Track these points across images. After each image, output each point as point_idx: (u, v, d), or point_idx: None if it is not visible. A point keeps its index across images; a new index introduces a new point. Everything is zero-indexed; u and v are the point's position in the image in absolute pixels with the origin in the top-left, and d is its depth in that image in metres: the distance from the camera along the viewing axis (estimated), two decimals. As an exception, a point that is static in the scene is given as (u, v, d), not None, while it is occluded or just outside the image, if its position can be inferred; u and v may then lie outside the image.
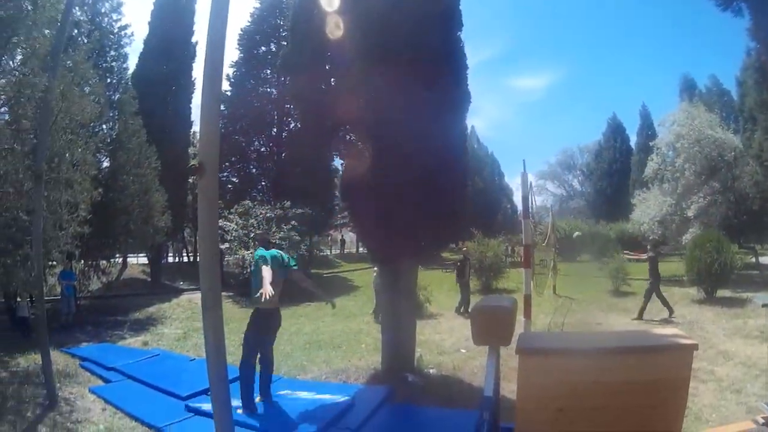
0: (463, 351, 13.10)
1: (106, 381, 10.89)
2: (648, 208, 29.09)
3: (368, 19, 9.70)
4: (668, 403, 5.31)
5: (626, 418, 5.27)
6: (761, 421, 6.45)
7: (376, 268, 17.34)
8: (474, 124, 73.89)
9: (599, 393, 5.28)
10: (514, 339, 6.16)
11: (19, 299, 14.64)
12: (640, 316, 16.77)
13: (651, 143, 32.48)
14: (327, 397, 9.23)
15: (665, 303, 16.97)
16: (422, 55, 9.55)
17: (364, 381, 10.82)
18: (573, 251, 37.63)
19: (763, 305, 16.16)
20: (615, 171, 57.61)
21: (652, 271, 17.25)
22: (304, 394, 9.52)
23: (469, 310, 15.10)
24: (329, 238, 50.36)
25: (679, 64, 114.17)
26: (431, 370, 11.40)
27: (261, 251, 9.01)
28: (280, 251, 9.58)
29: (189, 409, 8.87)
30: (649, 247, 19.20)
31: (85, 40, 19.00)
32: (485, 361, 5.63)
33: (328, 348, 13.96)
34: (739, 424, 7.19)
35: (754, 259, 27.39)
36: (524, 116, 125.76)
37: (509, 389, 8.02)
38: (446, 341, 14.44)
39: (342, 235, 54.36)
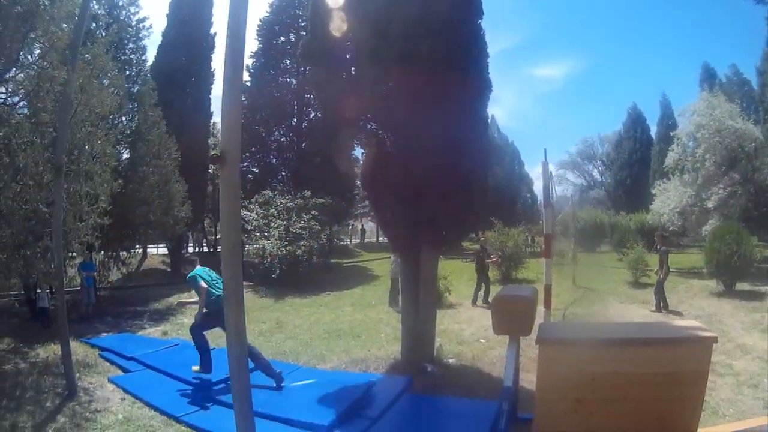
0: (483, 341, 13.08)
1: (126, 371, 11.00)
2: (668, 199, 28.76)
3: (389, 8, 9.68)
4: (686, 396, 5.34)
5: (644, 409, 5.30)
6: (777, 417, 6.46)
7: (393, 258, 17.39)
8: (494, 114, 73.74)
9: (618, 384, 5.31)
10: (534, 329, 6.21)
11: (39, 290, 14.73)
12: (665, 308, 16.70)
13: (671, 133, 32.10)
14: (346, 386, 9.22)
15: (663, 298, 17.00)
16: (443, 44, 9.53)
17: (383, 371, 10.85)
18: (592, 242, 37.56)
19: (782, 299, 16.11)
20: (635, 161, 57.05)
21: (662, 265, 17.18)
22: (324, 384, 9.51)
23: (490, 300, 15.12)
24: (350, 227, 50.35)
25: (699, 53, 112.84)
26: (450, 360, 11.40)
27: (197, 270, 10.29)
28: (209, 270, 10.66)
29: (208, 398, 8.97)
30: (657, 239, 19.02)
31: (104, 34, 19.06)
32: (504, 351, 5.67)
33: (348, 337, 13.99)
34: (756, 420, 7.20)
35: (773, 253, 27.19)
36: (544, 106, 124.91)
37: (527, 380, 8.06)
38: (465, 331, 14.42)
39: (362, 225, 54.35)
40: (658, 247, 17.96)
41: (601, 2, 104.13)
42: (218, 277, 10.28)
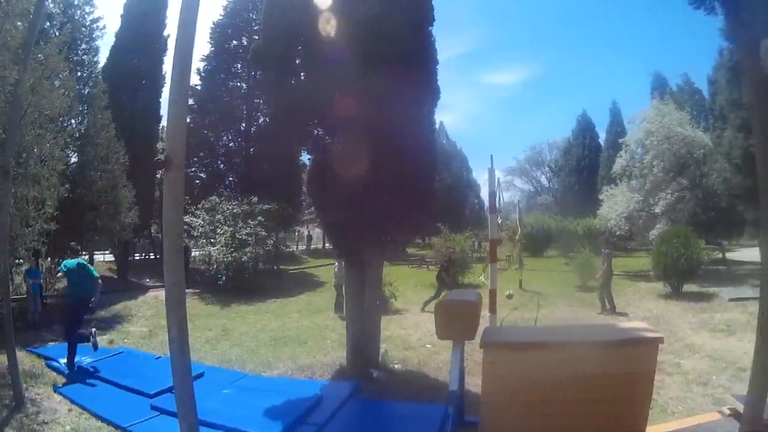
0: (429, 346, 13.13)
1: (72, 381, 10.76)
2: (615, 204, 29.39)
3: (338, 13, 9.68)
4: (634, 395, 5.37)
5: (591, 410, 5.29)
6: (727, 412, 6.51)
7: (336, 264, 17.39)
8: (444, 120, 74.60)
9: (564, 386, 5.30)
10: (479, 334, 6.15)
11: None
12: (612, 310, 16.86)
13: (620, 140, 32.77)
14: (293, 393, 9.18)
15: (610, 300, 17.23)
16: (393, 49, 9.53)
17: (329, 377, 10.85)
18: (539, 247, 38.03)
19: (730, 300, 16.38)
20: (583, 167, 57.92)
21: (607, 269, 17.37)
22: (270, 391, 9.46)
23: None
24: (296, 234, 50.25)
25: (650, 62, 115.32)
26: (396, 366, 11.43)
27: (67, 261, 10.65)
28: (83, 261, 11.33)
29: (154, 407, 8.84)
30: (602, 243, 19.26)
31: (57, 33, 18.74)
32: (450, 356, 5.61)
33: (294, 344, 13.93)
34: (705, 416, 7.25)
35: (721, 255, 27.63)
36: (495, 112, 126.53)
37: (474, 384, 8.02)
38: (412, 336, 14.48)
39: (308, 231, 54.19)
40: (602, 250, 18.10)
41: (554, 11, 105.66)
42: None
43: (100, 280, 12.32)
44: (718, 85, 33.22)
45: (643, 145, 29.02)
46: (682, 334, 13.27)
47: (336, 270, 17.72)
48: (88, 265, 12.54)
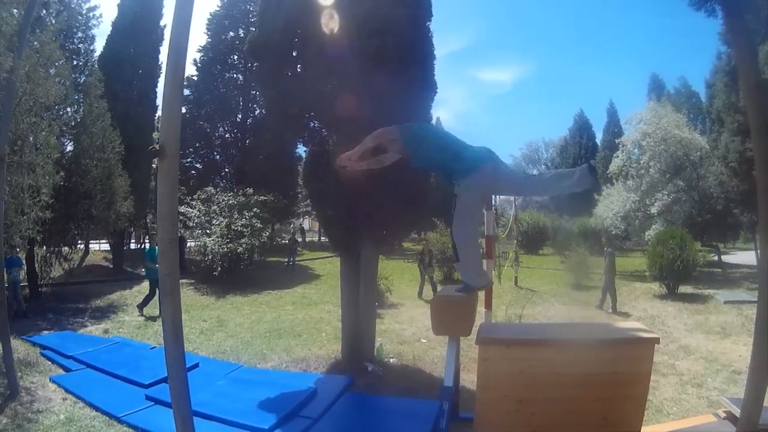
0: (424, 341, 13.17)
1: (67, 370, 10.76)
2: (611, 204, 29.42)
3: (336, 7, 9.64)
4: (629, 395, 5.35)
5: (587, 410, 5.28)
6: (722, 414, 6.49)
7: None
8: (440, 116, 74.65)
9: (560, 384, 5.28)
10: (475, 330, 6.13)
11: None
12: (614, 309, 16.93)
13: (617, 140, 32.75)
14: (288, 386, 9.17)
15: (613, 299, 17.24)
16: (390, 43, 9.53)
17: (324, 370, 10.82)
18: (534, 245, 38.10)
19: (725, 302, 16.41)
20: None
21: (610, 267, 17.33)
22: (264, 383, 9.47)
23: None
24: (291, 225, 50.17)
25: (648, 64, 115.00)
26: (391, 360, 11.45)
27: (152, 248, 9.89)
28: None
29: (149, 398, 8.83)
30: (604, 241, 19.25)
31: (53, 21, 18.66)
32: (445, 351, 5.59)
33: (289, 336, 13.90)
34: (699, 418, 7.24)
35: (716, 258, 27.72)
36: (491, 109, 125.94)
37: (469, 380, 8.00)
38: (407, 331, 14.53)
39: (302, 223, 54.05)
40: (605, 248, 18.06)
41: (552, 7, 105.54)
42: None
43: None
44: (715, 88, 33.14)
45: (639, 146, 29.03)
46: (677, 335, 13.32)
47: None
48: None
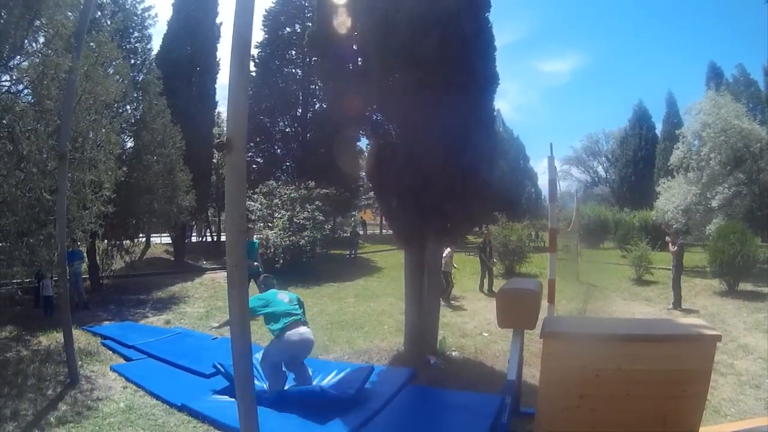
0: (486, 335, 13.13)
1: (128, 359, 10.98)
2: (672, 197, 28.80)
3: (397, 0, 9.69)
4: (689, 393, 5.33)
5: (647, 407, 5.29)
6: (779, 418, 6.45)
7: (447, 249, 17.48)
8: (500, 107, 73.76)
9: (622, 381, 5.29)
10: (538, 324, 6.19)
11: (43, 279, 14.67)
12: (678, 305, 16.71)
13: (677, 131, 32.06)
14: (349, 377, 9.17)
15: (677, 294, 16.97)
16: (451, 35, 9.49)
17: (386, 362, 10.87)
18: (595, 238, 37.70)
19: (785, 301, 16.09)
20: (640, 158, 57.23)
21: (678, 260, 17.12)
22: (326, 375, 9.58)
23: (494, 289, 15.18)
24: (352, 218, 50.19)
25: (706, 52, 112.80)
26: (453, 353, 11.40)
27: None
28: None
29: (211, 388, 8.96)
30: (669, 236, 18.93)
31: (109, 22, 18.89)
32: (507, 345, 5.67)
33: (351, 329, 13.96)
34: (757, 420, 7.19)
35: (776, 254, 27.19)
36: (549, 100, 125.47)
37: (530, 374, 8.04)
38: (468, 324, 14.50)
39: (362, 216, 54.06)
40: (671, 242, 17.86)
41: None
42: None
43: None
44: (774, 76, 32.65)
45: (699, 137, 28.31)
46: (737, 333, 13.10)
47: (445, 255, 17.79)
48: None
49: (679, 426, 5.35)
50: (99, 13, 19.06)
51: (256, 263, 16.00)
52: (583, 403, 5.38)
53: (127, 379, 9.52)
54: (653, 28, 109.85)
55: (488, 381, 9.37)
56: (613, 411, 5.34)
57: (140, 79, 21.46)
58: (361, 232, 43.09)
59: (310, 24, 29.11)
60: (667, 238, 18.33)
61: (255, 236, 18.64)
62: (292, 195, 26.06)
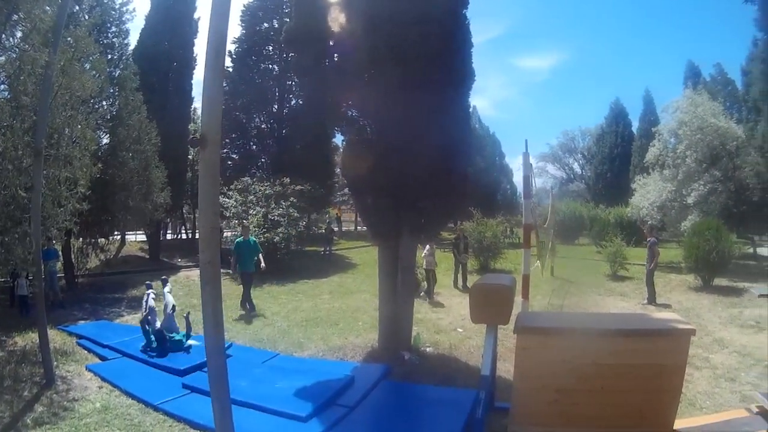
0: (460, 330, 13.18)
1: (103, 359, 10.94)
2: (648, 194, 28.98)
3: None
4: (664, 387, 5.36)
5: (623, 400, 5.30)
6: (755, 409, 6.49)
7: (427, 247, 17.85)
8: (476, 104, 74.42)
9: (597, 375, 5.31)
10: (512, 320, 6.18)
11: (18, 278, 14.54)
12: (652, 301, 16.77)
13: (653, 129, 32.36)
14: (324, 374, 9.25)
15: (650, 290, 17.06)
16: (427, 32, 9.49)
17: (360, 358, 10.86)
18: (570, 234, 37.89)
19: (760, 296, 16.27)
20: (616, 155, 57.46)
21: (652, 256, 17.18)
22: (301, 372, 9.54)
23: (469, 285, 15.20)
24: (327, 215, 50.19)
25: (684, 51, 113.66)
26: (428, 349, 11.43)
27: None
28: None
29: (185, 386, 8.94)
30: (647, 231, 19.04)
31: (87, 17, 18.74)
32: (481, 341, 5.64)
33: (326, 325, 13.98)
34: (732, 412, 7.22)
35: (751, 250, 27.45)
36: (527, 97, 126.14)
37: (504, 369, 8.05)
38: (443, 320, 14.52)
39: (339, 212, 54.04)
40: (647, 238, 17.92)
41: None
42: None
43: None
44: (751, 76, 32.81)
45: (676, 135, 28.55)
46: (712, 328, 13.21)
47: (425, 254, 17.73)
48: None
49: (655, 419, 5.38)
50: (77, 8, 18.87)
51: (256, 259, 16.27)
52: (558, 396, 5.40)
53: (103, 379, 9.49)
54: (633, 26, 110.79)
55: (463, 376, 9.40)
56: (588, 404, 5.36)
57: (117, 74, 21.30)
58: (336, 229, 43.09)
59: (288, 20, 29.02)
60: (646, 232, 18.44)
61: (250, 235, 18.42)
62: (267, 191, 26.00)
